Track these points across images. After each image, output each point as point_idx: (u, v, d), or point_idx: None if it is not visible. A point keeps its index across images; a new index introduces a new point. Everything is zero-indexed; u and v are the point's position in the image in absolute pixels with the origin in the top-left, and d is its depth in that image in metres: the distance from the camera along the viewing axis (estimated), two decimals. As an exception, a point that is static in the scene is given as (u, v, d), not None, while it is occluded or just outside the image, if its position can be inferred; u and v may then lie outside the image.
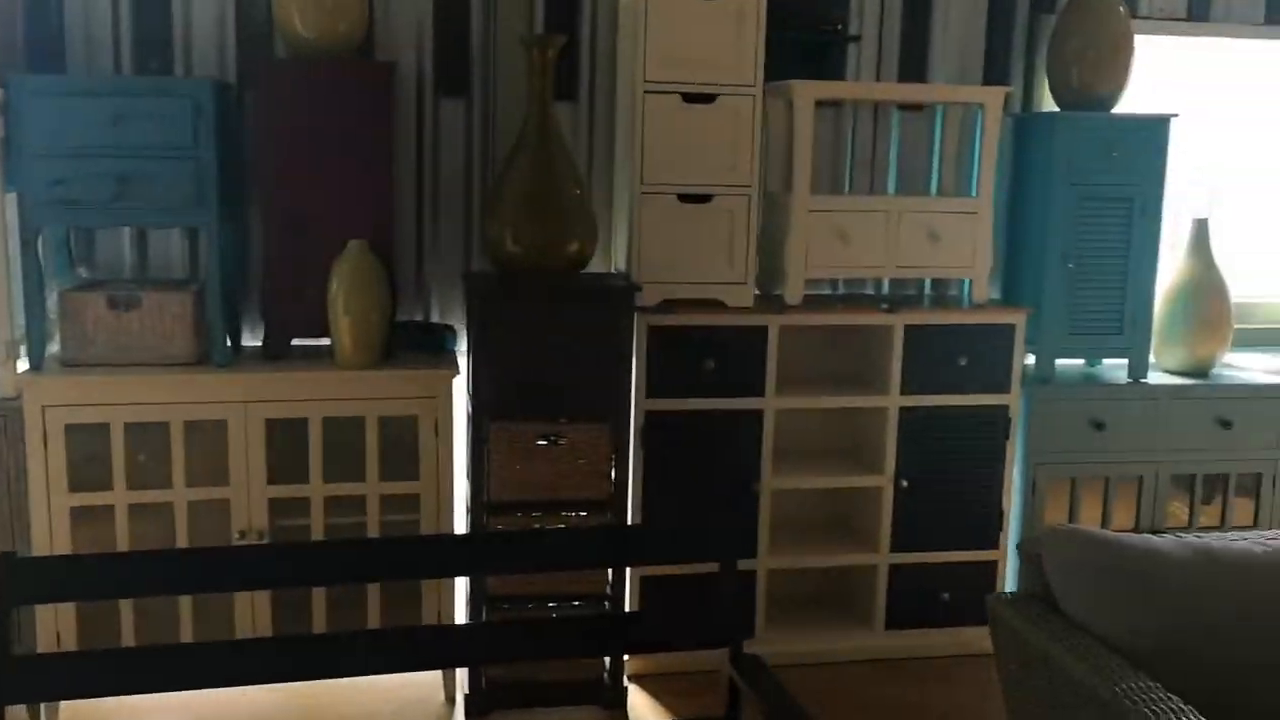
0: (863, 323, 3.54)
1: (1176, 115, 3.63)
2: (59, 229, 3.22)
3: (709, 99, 3.28)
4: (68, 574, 2.06)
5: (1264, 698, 2.14)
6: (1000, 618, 2.37)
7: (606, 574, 3.23)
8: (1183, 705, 1.91)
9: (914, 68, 3.82)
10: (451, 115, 3.54)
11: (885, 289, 3.87)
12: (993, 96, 3.49)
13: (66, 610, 3.07)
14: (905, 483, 3.57)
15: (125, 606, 3.12)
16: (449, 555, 2.43)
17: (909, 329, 3.51)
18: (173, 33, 3.35)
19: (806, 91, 3.36)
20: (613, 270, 3.61)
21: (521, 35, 3.07)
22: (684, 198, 3.32)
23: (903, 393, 3.53)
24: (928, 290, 3.88)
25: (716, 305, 3.39)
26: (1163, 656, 2.13)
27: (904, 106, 3.79)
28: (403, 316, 3.54)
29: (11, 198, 3.03)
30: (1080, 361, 3.93)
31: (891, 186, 3.83)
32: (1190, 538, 2.36)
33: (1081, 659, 2.09)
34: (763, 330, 3.41)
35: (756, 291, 3.64)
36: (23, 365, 3.09)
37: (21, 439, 3.01)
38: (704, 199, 3.33)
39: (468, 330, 3.12)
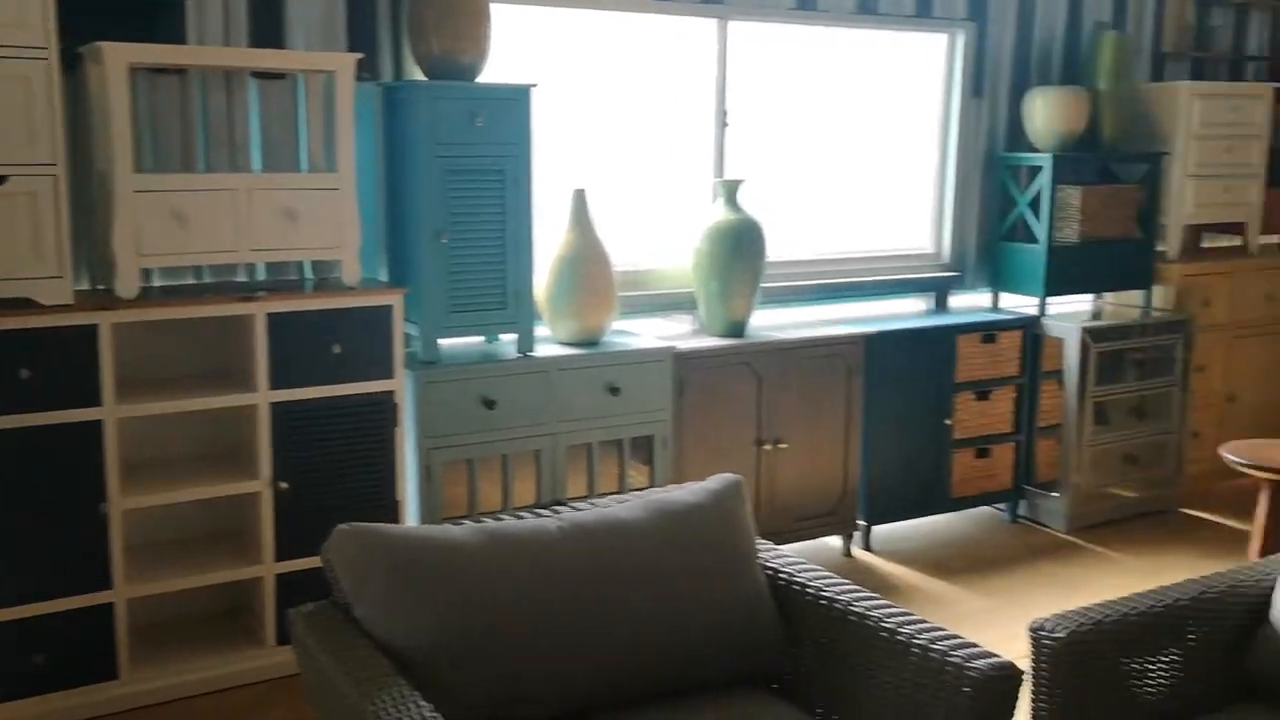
0: (215, 314, 3.20)
1: (536, 85, 3.60)
2: None
3: (-13, 63, 2.78)
4: None
5: (548, 683, 2.07)
6: (296, 633, 2.14)
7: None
8: (430, 714, 1.76)
9: (269, 33, 3.51)
10: None
11: (261, 274, 3.56)
12: (343, 63, 3.27)
13: None
14: (284, 484, 3.28)
15: None
16: None
17: (274, 318, 3.22)
18: None
19: (116, 55, 2.95)
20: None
21: None
22: (-33, 180, 2.80)
23: (273, 387, 3.24)
24: (309, 274, 3.61)
25: (28, 305, 2.91)
26: (447, 655, 1.99)
27: (262, 75, 3.48)
28: None
29: None
30: (480, 339, 3.85)
31: (257, 163, 3.51)
32: (487, 521, 2.26)
33: (349, 672, 1.90)
34: (91, 330, 2.98)
35: (99, 286, 3.21)
36: None
37: None
38: (-5, 181, 2.83)
39: None
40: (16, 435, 2.91)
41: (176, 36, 3.30)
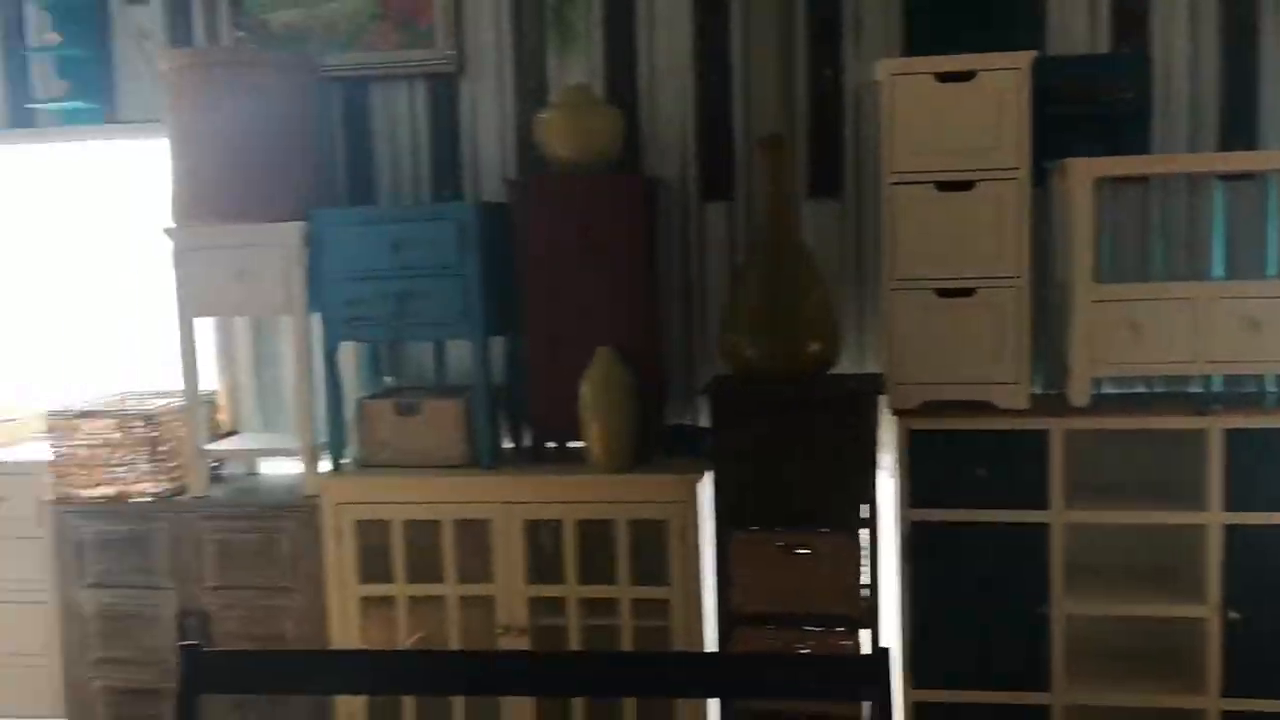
0: (1165, 427, 3.07)
1: None
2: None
3: (966, 186, 3.05)
4: (253, 668, 2.18)
5: None
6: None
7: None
8: None
9: (1240, 134, 3.33)
10: (715, 220, 3.56)
11: (1216, 386, 3.35)
12: (1326, 158, 2.96)
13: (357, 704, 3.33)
14: (1236, 615, 3.02)
15: (408, 702, 3.33)
16: (692, 675, 2.16)
17: (1232, 434, 3.00)
18: (462, 160, 3.66)
19: (1083, 170, 3.03)
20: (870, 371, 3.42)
21: (755, 137, 3.03)
22: (943, 292, 3.09)
23: (1228, 509, 3.01)
24: (1272, 388, 3.31)
25: (985, 407, 3.10)
26: None
27: (1228, 177, 3.31)
28: (674, 419, 3.56)
29: (315, 318, 3.41)
30: None
31: (1219, 268, 3.34)
32: None
33: None
34: (1043, 435, 3.06)
35: (1050, 391, 3.31)
36: (326, 466, 3.44)
37: (320, 534, 3.34)
38: (966, 293, 3.08)
39: (712, 437, 3.08)
40: (971, 529, 3.10)
41: (1141, 147, 3.28)
